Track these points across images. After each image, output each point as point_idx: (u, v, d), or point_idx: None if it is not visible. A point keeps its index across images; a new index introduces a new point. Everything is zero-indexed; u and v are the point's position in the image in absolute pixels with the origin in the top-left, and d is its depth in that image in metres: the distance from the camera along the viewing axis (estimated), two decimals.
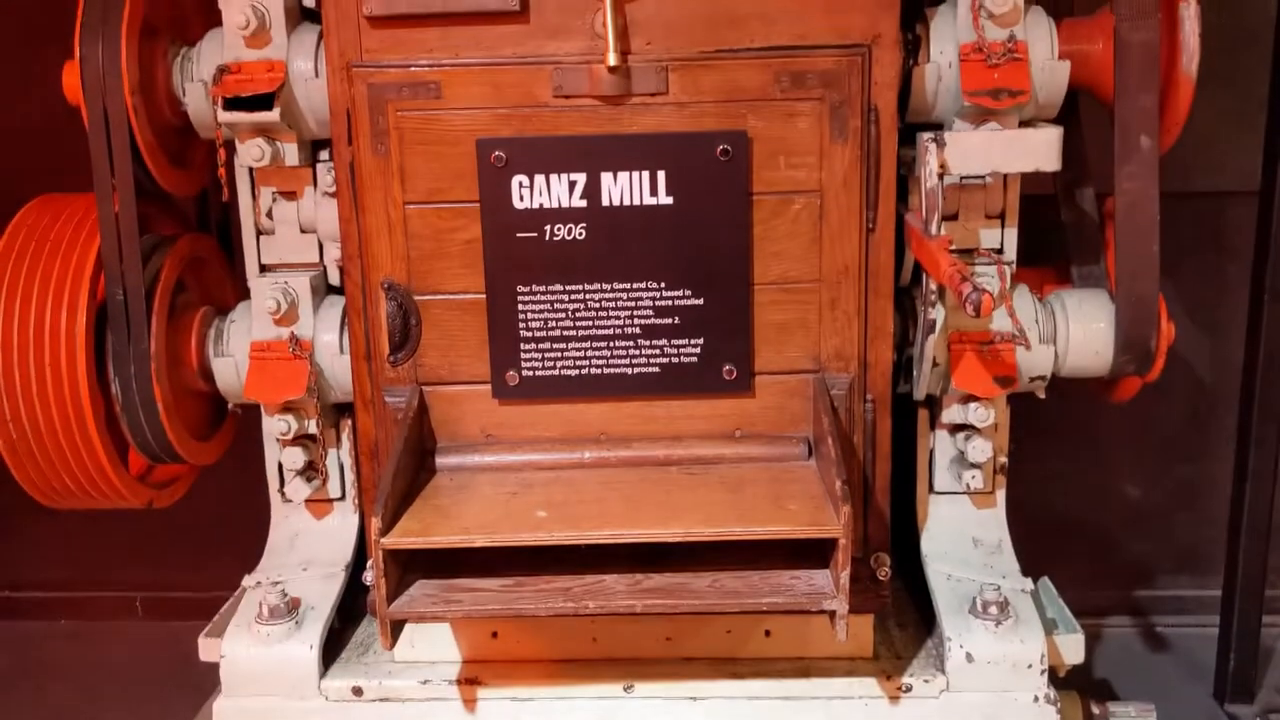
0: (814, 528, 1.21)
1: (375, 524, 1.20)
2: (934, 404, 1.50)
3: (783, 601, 1.23)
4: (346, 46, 1.29)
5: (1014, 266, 1.46)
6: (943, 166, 1.33)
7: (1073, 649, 1.41)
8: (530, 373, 1.35)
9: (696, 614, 1.30)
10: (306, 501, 1.54)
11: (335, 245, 1.44)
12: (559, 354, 1.34)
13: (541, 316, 1.33)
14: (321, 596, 1.46)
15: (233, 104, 1.35)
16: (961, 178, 1.39)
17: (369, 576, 1.26)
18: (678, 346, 1.34)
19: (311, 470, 1.52)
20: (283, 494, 1.54)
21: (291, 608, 1.42)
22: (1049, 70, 1.37)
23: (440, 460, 1.37)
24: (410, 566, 1.27)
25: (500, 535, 1.23)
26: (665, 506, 1.27)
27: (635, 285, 1.32)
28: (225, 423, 1.61)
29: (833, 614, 1.21)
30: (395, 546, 1.22)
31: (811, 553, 1.25)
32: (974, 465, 1.48)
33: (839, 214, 1.32)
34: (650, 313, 1.33)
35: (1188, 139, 1.53)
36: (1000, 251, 1.45)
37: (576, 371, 1.35)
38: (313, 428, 1.49)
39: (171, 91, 1.44)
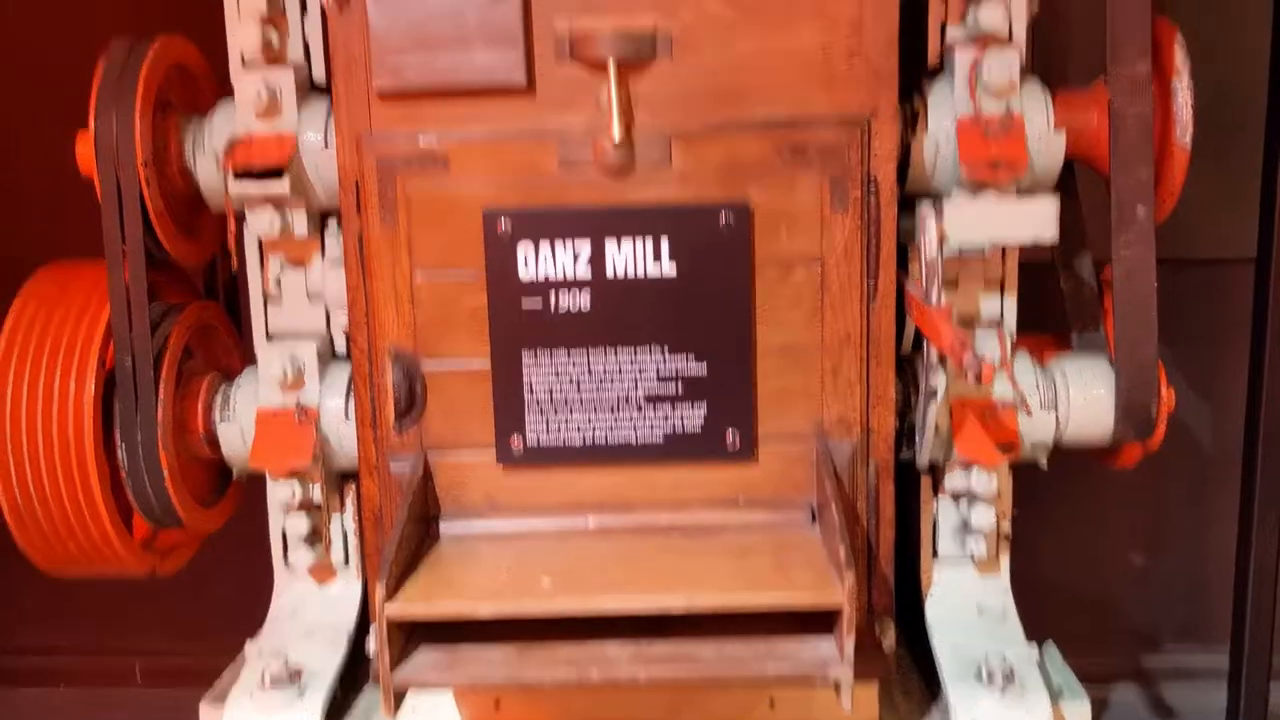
0: (818, 596, 1.21)
1: (379, 592, 1.20)
2: (937, 471, 1.51)
3: (788, 669, 1.22)
4: (356, 120, 1.32)
5: (1014, 334, 1.47)
6: (942, 236, 1.35)
7: (1079, 716, 1.41)
8: (534, 439, 1.36)
9: (701, 682, 1.30)
10: (309, 568, 1.54)
11: (342, 313, 1.46)
12: (563, 421, 1.35)
13: (546, 383, 1.34)
14: (324, 664, 1.45)
15: (244, 175, 1.37)
16: (960, 248, 1.40)
17: (372, 645, 1.26)
18: (681, 414, 1.35)
19: (315, 537, 1.52)
20: (286, 561, 1.54)
21: (294, 675, 1.42)
22: (1046, 142, 1.40)
23: (444, 527, 1.38)
24: (413, 633, 1.27)
25: (504, 604, 1.23)
26: (669, 574, 1.27)
27: (639, 353, 1.34)
28: (229, 489, 1.61)
29: (838, 682, 1.21)
30: (399, 616, 1.22)
31: (816, 619, 1.25)
32: (977, 532, 1.48)
33: (840, 283, 1.34)
34: (654, 380, 1.34)
35: (1184, 207, 1.56)
36: (1001, 319, 1.47)
37: (580, 438, 1.35)
38: (317, 495, 1.50)
39: (183, 162, 1.46)
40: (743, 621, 1.25)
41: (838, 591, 1.20)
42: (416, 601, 1.23)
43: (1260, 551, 1.83)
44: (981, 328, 1.46)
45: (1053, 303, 1.61)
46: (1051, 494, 1.79)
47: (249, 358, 1.54)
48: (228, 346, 1.63)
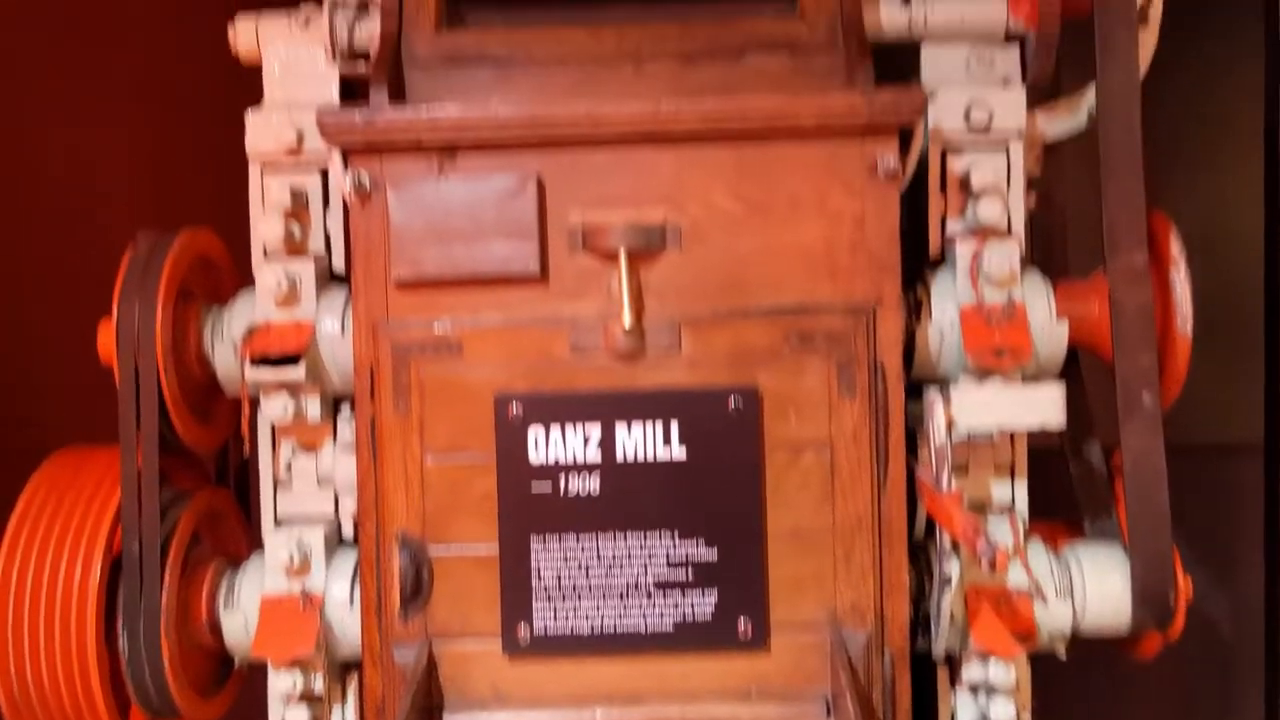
0: None
1: None
2: (953, 662, 1.47)
3: None
4: (374, 308, 1.35)
5: (1026, 520, 1.46)
6: (950, 422, 1.36)
7: None
8: (541, 628, 1.33)
9: None
10: None
11: (352, 498, 1.46)
12: (571, 608, 1.33)
13: (554, 569, 1.33)
14: None
15: (261, 362, 1.40)
16: (969, 433, 1.41)
17: None
18: (691, 601, 1.33)
19: None
20: None
21: None
22: (1049, 330, 1.42)
23: (448, 719, 1.34)
24: None
25: None
26: None
27: (649, 538, 1.33)
28: (229, 679, 1.58)
29: None
30: None
31: None
32: None
33: (850, 467, 1.34)
34: (664, 566, 1.33)
35: (1190, 393, 1.57)
36: (1013, 505, 1.46)
37: (588, 626, 1.33)
38: (319, 685, 1.46)
39: (201, 350, 1.49)
40: None
41: None
42: None
43: None
44: (993, 514, 1.45)
45: (1064, 489, 1.61)
46: (1072, 686, 1.74)
47: (256, 544, 1.53)
48: (236, 533, 1.63)
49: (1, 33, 2.31)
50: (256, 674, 1.53)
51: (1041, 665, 1.49)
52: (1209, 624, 2.14)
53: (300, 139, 1.46)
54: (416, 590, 1.36)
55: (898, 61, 1.50)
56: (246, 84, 1.52)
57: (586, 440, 1.33)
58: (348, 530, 1.50)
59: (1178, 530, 1.46)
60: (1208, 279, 2.08)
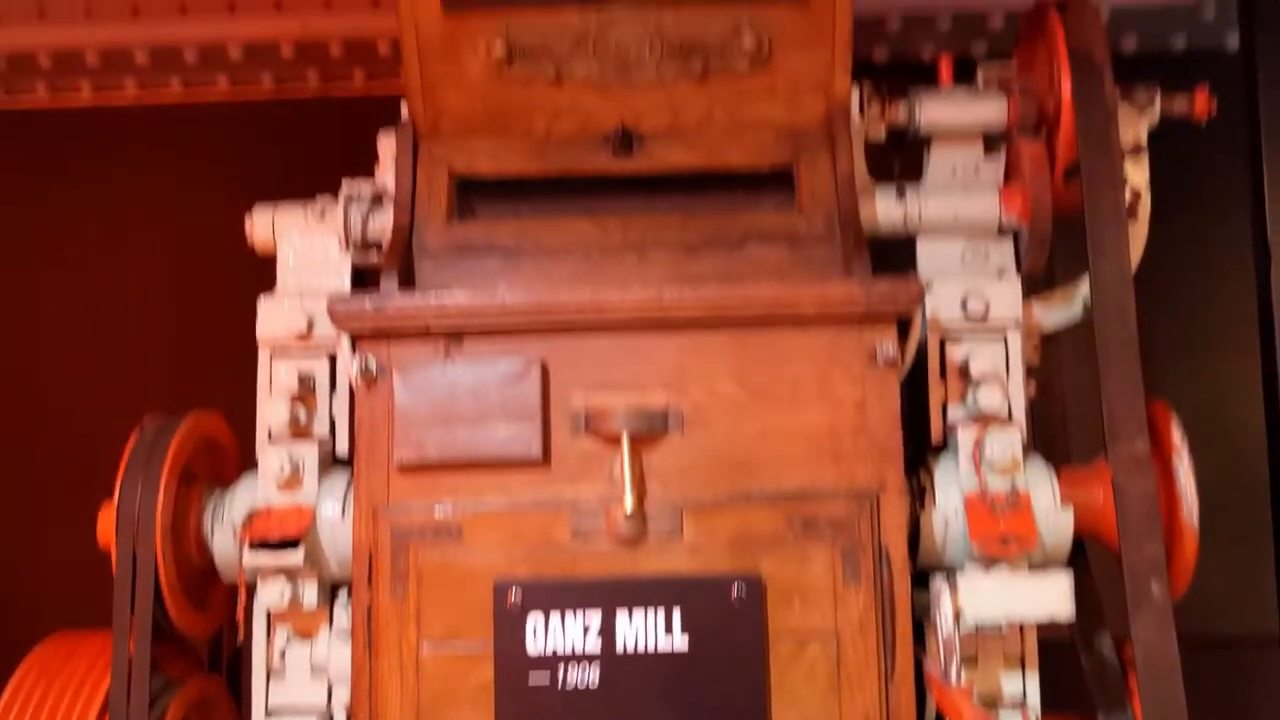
0: None
1: None
2: None
3: None
4: (375, 491, 1.35)
5: (1039, 713, 1.42)
6: (958, 612, 1.33)
7: None
8: None
9: None
10: None
11: (345, 688, 1.43)
12: None
13: None
14: None
15: (260, 546, 1.39)
16: (977, 625, 1.39)
17: None
18: None
19: None
20: None
21: None
22: (1054, 518, 1.42)
23: None
24: None
25: None
26: None
27: None
28: None
29: None
30: None
31: None
32: None
33: (856, 659, 1.31)
34: None
35: (1206, 587, 1.55)
36: (1024, 699, 1.42)
37: None
38: None
39: (200, 533, 1.49)
40: None
41: None
42: None
43: None
44: (1005, 708, 1.41)
45: (1076, 682, 1.57)
46: None
47: None
48: None
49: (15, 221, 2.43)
50: None
51: None
52: None
53: (310, 325, 1.50)
54: None
55: (896, 254, 1.55)
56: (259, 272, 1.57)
57: (586, 629, 1.30)
58: None
59: None
60: (1219, 469, 2.10)
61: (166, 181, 2.50)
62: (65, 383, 2.34)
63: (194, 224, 2.46)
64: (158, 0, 2.41)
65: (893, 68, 2.44)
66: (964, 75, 1.65)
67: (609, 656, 1.30)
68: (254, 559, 1.40)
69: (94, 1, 2.42)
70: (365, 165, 1.60)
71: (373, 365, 1.37)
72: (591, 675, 1.29)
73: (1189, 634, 1.51)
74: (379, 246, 1.53)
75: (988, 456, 1.41)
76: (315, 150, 2.37)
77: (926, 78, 1.86)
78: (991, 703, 1.42)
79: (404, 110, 1.53)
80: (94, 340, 2.38)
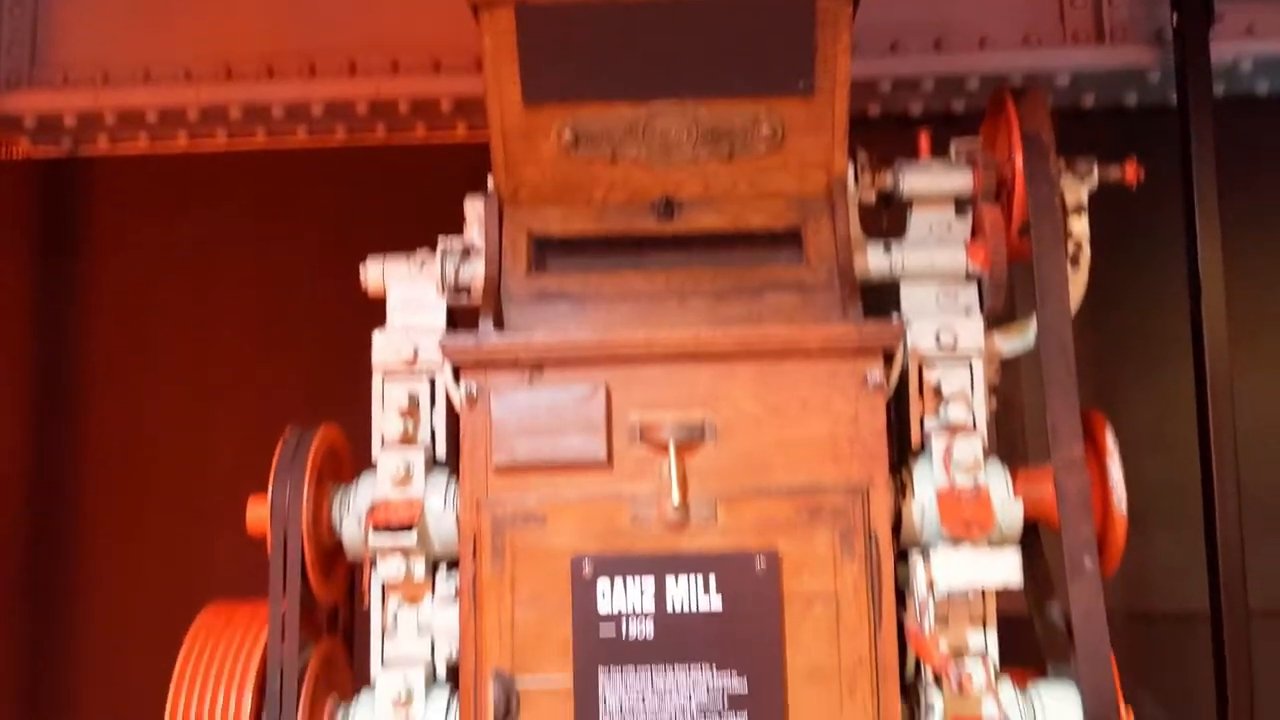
0: None
1: None
2: None
3: None
4: (477, 487, 1.72)
5: (997, 663, 1.79)
6: (930, 581, 1.71)
7: None
8: None
9: None
10: None
11: (445, 644, 1.80)
12: None
13: (617, 697, 1.66)
14: None
15: (381, 530, 1.76)
16: (948, 591, 1.75)
17: None
18: None
19: None
20: None
21: None
22: (1008, 507, 1.78)
23: None
24: None
25: None
26: None
27: (692, 672, 1.66)
28: None
29: None
30: None
31: None
32: None
33: (852, 616, 1.68)
34: (704, 694, 1.66)
35: (1146, 569, 1.91)
36: (985, 650, 1.79)
37: None
38: None
39: (330, 522, 1.86)
40: None
41: None
42: None
43: None
44: (970, 657, 1.78)
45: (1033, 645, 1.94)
46: None
47: (359, 685, 1.85)
48: (343, 675, 1.95)
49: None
50: None
51: None
52: None
53: (416, 354, 1.86)
54: (505, 716, 1.68)
55: (884, 296, 1.91)
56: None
57: (643, 593, 1.68)
58: (440, 672, 1.83)
59: (1141, 685, 1.77)
60: (1158, 469, 2.48)
61: (251, 218, 2.86)
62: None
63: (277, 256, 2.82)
64: (249, 64, 2.78)
65: (884, 120, 2.80)
66: (946, 130, 1.99)
67: (661, 614, 1.67)
68: (377, 540, 1.77)
69: (193, 65, 2.79)
70: (429, 203, 1.95)
71: (474, 390, 1.74)
72: (648, 628, 1.67)
73: (1132, 609, 1.88)
74: (468, 290, 1.90)
75: (956, 459, 1.78)
76: (385, 192, 2.76)
77: (912, 130, 2.21)
78: (959, 654, 1.78)
79: (490, 182, 1.90)
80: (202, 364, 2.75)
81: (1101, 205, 1.99)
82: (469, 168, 1.95)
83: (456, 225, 1.93)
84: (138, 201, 2.88)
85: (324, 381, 2.49)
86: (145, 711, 1.86)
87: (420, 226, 1.97)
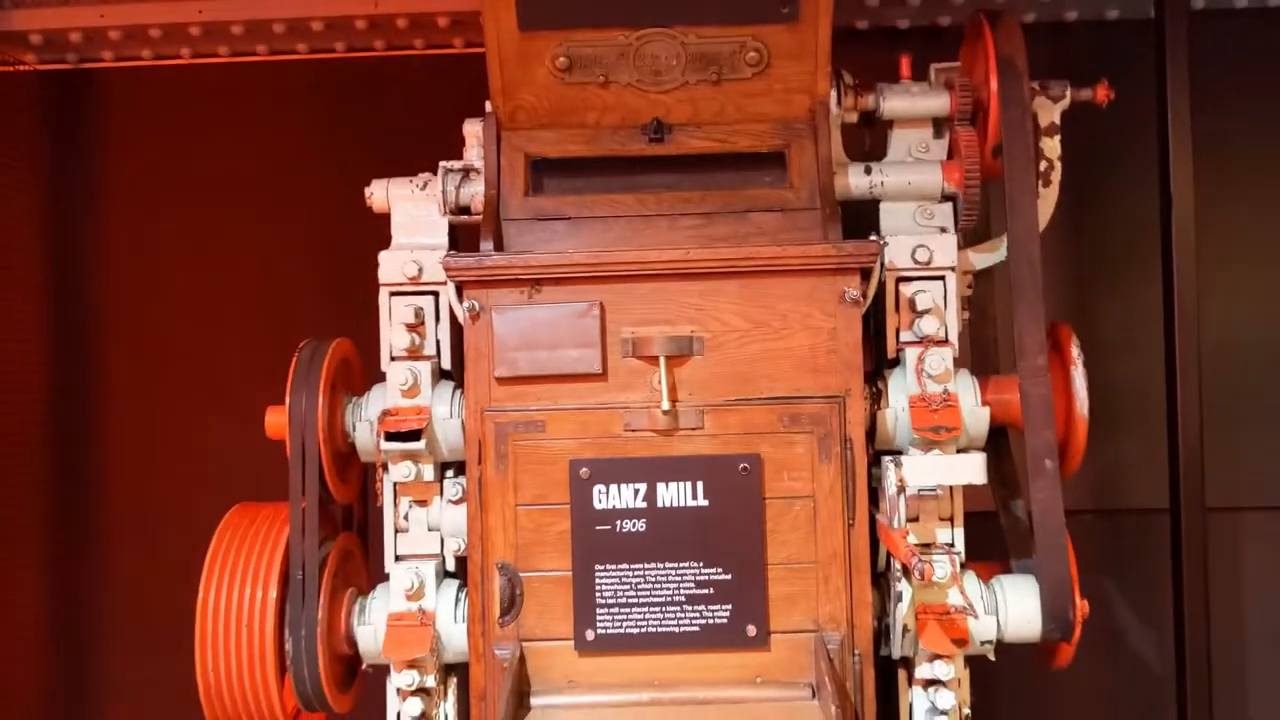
0: None
1: None
2: (910, 665, 1.94)
3: None
4: (481, 397, 1.85)
5: (963, 556, 1.94)
6: (901, 481, 1.85)
7: None
8: (604, 631, 1.81)
9: None
10: None
11: (454, 540, 1.95)
12: (625, 617, 1.81)
13: (612, 588, 1.81)
14: None
15: (392, 437, 1.90)
16: (919, 490, 1.89)
17: None
18: (712, 612, 1.81)
19: (424, 719, 1.95)
20: None
21: None
22: (975, 414, 1.92)
23: (534, 701, 1.81)
24: None
25: None
26: None
27: (681, 565, 1.81)
28: (354, 681, 2.05)
29: None
30: None
31: None
32: (942, 713, 1.90)
33: (827, 514, 1.82)
34: (692, 585, 1.81)
35: (1112, 467, 2.03)
36: (952, 545, 1.94)
37: (638, 630, 1.81)
38: (429, 682, 1.93)
39: (344, 428, 1.99)
40: None
41: None
42: None
43: None
44: (938, 552, 1.93)
45: (1000, 541, 2.08)
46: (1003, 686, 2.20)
47: (375, 578, 2.01)
48: (359, 569, 2.11)
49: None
50: (372, 678, 2.01)
51: (980, 665, 1.95)
52: (1137, 657, 2.60)
53: (420, 271, 1.97)
54: (511, 604, 1.83)
55: (865, 214, 2.02)
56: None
57: (635, 493, 1.82)
58: (449, 565, 1.99)
59: (1104, 574, 1.92)
60: (1127, 372, 2.60)
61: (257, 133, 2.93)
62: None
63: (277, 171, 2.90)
64: None
65: (871, 34, 2.85)
66: (932, 45, 2.06)
67: (652, 512, 1.81)
68: (388, 446, 1.90)
69: None
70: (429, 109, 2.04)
71: (476, 306, 1.86)
72: (640, 525, 1.81)
73: (1098, 506, 2.01)
74: (468, 210, 2.00)
75: (927, 369, 1.91)
76: (384, 101, 2.84)
77: (899, 44, 2.26)
78: (928, 548, 1.94)
79: (488, 106, 1.99)
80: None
81: (1082, 118, 2.09)
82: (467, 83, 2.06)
83: (454, 139, 2.02)
84: (144, 111, 2.93)
85: (332, 296, 2.60)
86: (176, 606, 2.02)
87: (421, 140, 2.07)
